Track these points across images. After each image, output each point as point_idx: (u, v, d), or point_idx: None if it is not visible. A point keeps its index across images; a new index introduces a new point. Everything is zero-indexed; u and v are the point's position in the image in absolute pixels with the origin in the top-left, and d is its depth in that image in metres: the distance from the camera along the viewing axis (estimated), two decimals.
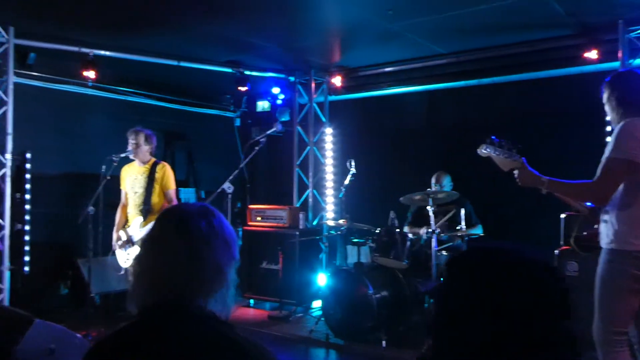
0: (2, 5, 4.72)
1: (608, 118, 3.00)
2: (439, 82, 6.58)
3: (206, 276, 1.29)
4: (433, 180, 5.53)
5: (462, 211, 4.98)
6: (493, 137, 2.93)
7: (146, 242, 1.39)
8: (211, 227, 1.34)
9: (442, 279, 1.16)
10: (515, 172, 2.87)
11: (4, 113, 5.13)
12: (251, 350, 1.22)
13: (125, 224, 5.20)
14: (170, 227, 1.35)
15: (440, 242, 5.01)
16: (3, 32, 5.07)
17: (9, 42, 5.11)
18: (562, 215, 4.35)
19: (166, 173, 5.14)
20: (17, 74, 5.37)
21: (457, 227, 4.98)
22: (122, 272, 5.25)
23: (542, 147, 5.65)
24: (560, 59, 5.69)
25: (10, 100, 5.14)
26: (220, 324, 1.28)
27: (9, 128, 5.12)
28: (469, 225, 5.22)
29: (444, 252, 5.05)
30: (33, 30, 5.25)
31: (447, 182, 5.53)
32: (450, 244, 5.21)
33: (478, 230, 5.36)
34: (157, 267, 1.31)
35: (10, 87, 5.15)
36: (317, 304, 6.15)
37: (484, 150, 2.94)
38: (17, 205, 5.49)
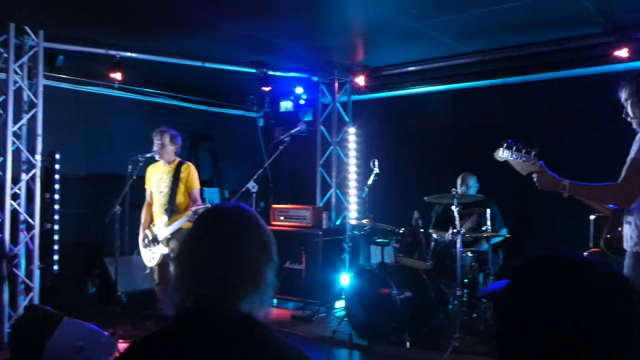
0: (32, 9, 4.83)
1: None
2: (463, 81, 6.50)
3: (245, 278, 1.29)
4: (459, 181, 5.47)
5: (488, 212, 4.92)
6: (510, 140, 2.88)
7: (185, 243, 1.39)
8: (249, 228, 1.35)
9: (503, 284, 1.13)
10: (534, 176, 2.80)
11: (34, 115, 5.25)
12: (289, 353, 1.23)
13: (150, 222, 5.27)
14: (209, 228, 1.36)
15: (465, 244, 4.96)
16: (33, 36, 5.18)
17: (39, 46, 5.21)
18: (592, 217, 4.25)
19: (191, 173, 5.20)
20: (46, 77, 5.48)
21: (483, 229, 4.92)
22: (147, 271, 5.33)
23: (569, 148, 5.56)
24: (588, 57, 5.57)
25: (40, 102, 5.26)
26: (259, 325, 1.28)
27: (39, 129, 5.23)
28: (493, 226, 5.15)
29: (468, 253, 5.00)
30: (61, 34, 5.35)
31: (473, 183, 5.46)
32: (478, 248, 5.15)
33: (503, 232, 5.29)
34: (196, 269, 1.31)
35: (40, 89, 5.26)
36: (340, 304, 6.14)
37: (501, 155, 2.88)
38: (46, 205, 5.60)
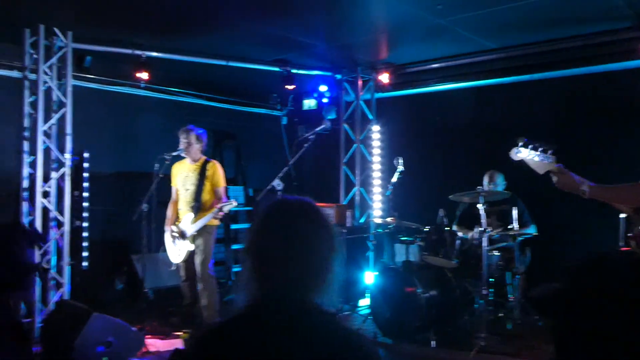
0: (61, 11, 4.92)
1: None
2: (489, 77, 6.43)
3: (314, 269, 1.32)
4: (486, 179, 5.40)
5: (514, 210, 4.85)
6: (525, 139, 2.83)
7: (256, 234, 1.40)
8: (317, 221, 1.37)
9: (558, 285, 1.13)
10: (554, 177, 2.75)
11: (64, 114, 5.35)
12: (358, 342, 1.26)
13: (176, 220, 5.33)
14: (280, 221, 1.38)
15: (491, 242, 4.90)
16: (62, 37, 5.29)
17: (68, 47, 5.31)
18: (622, 215, 4.16)
19: (217, 171, 5.24)
20: (74, 77, 5.57)
21: (509, 227, 4.86)
22: (173, 268, 5.39)
23: (596, 145, 5.45)
24: (617, 52, 5.46)
25: (69, 102, 5.36)
26: (330, 316, 1.32)
27: (68, 129, 5.34)
28: (521, 224, 5.08)
29: (495, 252, 4.93)
30: (89, 35, 5.45)
31: (500, 181, 5.39)
32: (503, 244, 5.08)
33: (531, 230, 5.22)
34: (268, 261, 1.34)
35: (69, 89, 5.36)
36: (364, 302, 6.13)
37: (516, 154, 2.83)
38: (75, 202, 5.72)
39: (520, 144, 2.82)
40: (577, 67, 5.78)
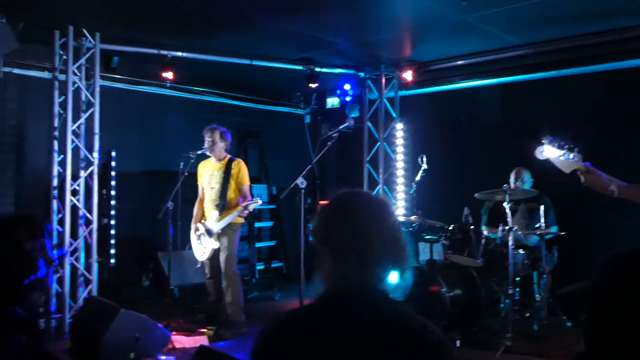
0: (89, 13, 5.02)
1: None
2: (515, 74, 6.33)
3: (380, 260, 1.35)
4: (512, 176, 5.32)
5: (542, 208, 4.77)
6: (551, 137, 2.78)
7: (320, 228, 1.44)
8: (381, 213, 1.41)
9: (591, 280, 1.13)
10: (581, 176, 2.70)
11: (92, 114, 5.46)
12: (433, 332, 1.28)
13: (202, 217, 5.39)
14: (342, 213, 1.41)
15: (517, 241, 4.83)
16: (90, 38, 5.39)
17: (96, 47, 5.42)
18: None
19: (241, 170, 5.28)
20: (102, 77, 5.69)
21: (537, 225, 4.78)
22: (199, 266, 5.45)
23: (626, 142, 5.32)
24: None
25: (97, 102, 5.46)
26: (400, 305, 1.36)
27: (96, 128, 5.44)
28: (547, 222, 4.99)
29: (520, 251, 4.86)
30: (116, 35, 5.54)
31: (527, 178, 5.30)
32: (529, 243, 5.00)
33: (553, 229, 5.12)
34: (339, 253, 1.37)
35: (97, 89, 5.46)
36: None
37: (541, 153, 2.78)
38: (103, 201, 5.83)
39: (545, 142, 2.77)
40: (606, 63, 5.66)
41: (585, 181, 2.71)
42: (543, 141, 2.78)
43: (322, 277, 1.39)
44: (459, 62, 6.62)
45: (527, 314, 5.00)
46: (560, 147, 2.75)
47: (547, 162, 2.82)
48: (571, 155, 2.73)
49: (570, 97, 5.95)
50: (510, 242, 4.55)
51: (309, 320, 1.34)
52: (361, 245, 1.35)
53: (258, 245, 7.91)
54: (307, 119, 8.61)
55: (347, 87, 7.27)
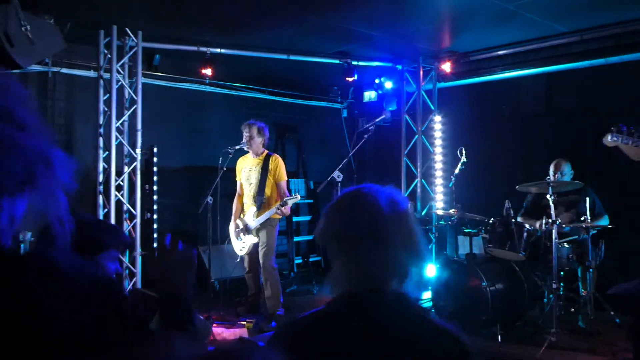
0: (132, 12, 5.15)
1: None
2: (560, 63, 6.12)
3: (398, 260, 1.31)
4: (552, 169, 5.17)
5: (587, 200, 4.62)
6: (621, 124, 2.68)
7: (328, 229, 1.39)
8: (399, 212, 1.35)
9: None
10: None
11: (134, 111, 5.60)
12: (444, 331, 1.25)
13: (241, 213, 5.46)
14: (348, 213, 1.36)
15: (561, 235, 4.69)
16: (133, 37, 5.53)
17: (138, 46, 5.55)
18: None
19: (279, 165, 5.32)
20: (144, 75, 5.83)
21: (582, 218, 4.63)
22: (238, 260, 5.54)
23: None
24: None
25: (139, 99, 5.60)
26: (413, 305, 1.31)
27: (139, 125, 5.59)
28: (592, 216, 4.83)
29: (565, 245, 4.73)
30: (157, 34, 5.66)
31: (567, 170, 5.14)
32: (574, 236, 4.86)
33: (604, 222, 4.94)
34: (344, 253, 1.33)
35: (139, 87, 5.60)
36: (426, 295, 6.04)
37: (610, 139, 2.69)
38: (146, 196, 5.98)
39: (614, 129, 2.69)
40: None
41: None
42: (612, 128, 2.70)
43: (334, 279, 1.34)
44: (500, 52, 6.46)
45: (572, 310, 4.87)
46: (631, 134, 2.66)
47: (615, 150, 2.73)
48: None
49: (618, 86, 5.72)
50: (554, 236, 4.43)
51: (324, 326, 1.30)
52: (372, 243, 1.30)
53: (296, 239, 7.96)
54: (345, 113, 8.60)
55: (384, 80, 7.21)
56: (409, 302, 1.30)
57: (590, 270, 4.63)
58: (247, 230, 5.28)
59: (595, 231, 4.80)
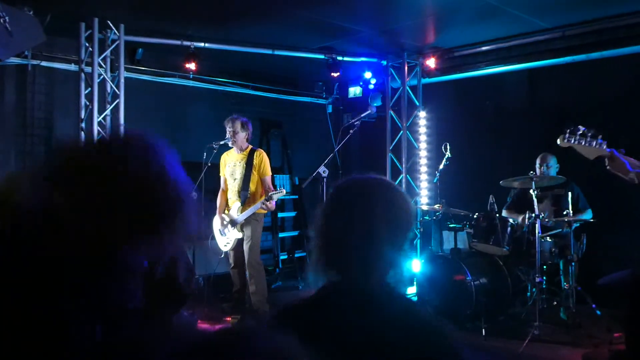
0: (114, 4, 5.07)
1: None
2: (542, 59, 6.18)
3: (384, 249, 1.29)
4: (538, 161, 5.22)
5: (569, 195, 4.67)
6: (572, 126, 2.83)
7: (322, 217, 1.39)
8: (383, 200, 1.33)
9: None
10: (606, 160, 2.76)
11: (117, 105, 5.53)
12: (430, 322, 1.25)
13: (225, 208, 5.42)
14: (344, 202, 1.37)
15: (544, 229, 4.74)
16: (115, 30, 5.45)
17: (120, 39, 5.48)
18: None
19: (263, 160, 5.29)
20: (126, 69, 5.75)
21: (564, 212, 4.68)
22: (222, 256, 5.50)
23: None
24: None
25: (122, 93, 5.53)
26: (398, 295, 1.32)
27: (121, 119, 5.52)
28: (576, 210, 4.89)
29: (548, 239, 4.78)
30: (140, 27, 5.59)
31: (553, 163, 5.19)
32: (557, 230, 4.91)
33: (587, 216, 5.01)
34: (330, 243, 1.33)
35: (122, 81, 5.53)
36: (411, 290, 6.07)
37: (564, 141, 2.83)
38: None
39: (567, 130, 2.83)
40: (637, 45, 5.48)
41: (610, 166, 2.76)
42: (566, 129, 2.83)
43: (323, 268, 1.33)
44: (484, 48, 6.50)
45: (555, 303, 4.93)
46: (584, 135, 2.78)
47: (571, 150, 2.86)
48: (594, 143, 2.77)
49: (599, 81, 5.79)
50: (538, 230, 4.47)
51: (312, 314, 1.30)
52: (356, 236, 1.29)
53: (281, 235, 7.94)
54: (330, 109, 8.59)
55: (369, 75, 7.20)
56: (395, 293, 1.31)
57: (573, 263, 4.68)
58: (232, 224, 5.24)
59: (577, 225, 4.85)
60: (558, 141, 2.86)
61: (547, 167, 5.12)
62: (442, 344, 1.23)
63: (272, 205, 5.09)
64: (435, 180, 5.81)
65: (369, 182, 1.39)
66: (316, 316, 1.28)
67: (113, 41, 5.50)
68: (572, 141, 2.80)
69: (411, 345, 1.20)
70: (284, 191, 5.12)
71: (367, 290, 1.28)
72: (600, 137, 2.77)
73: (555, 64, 6.10)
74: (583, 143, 2.78)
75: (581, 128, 2.80)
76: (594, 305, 4.66)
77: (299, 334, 1.25)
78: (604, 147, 2.75)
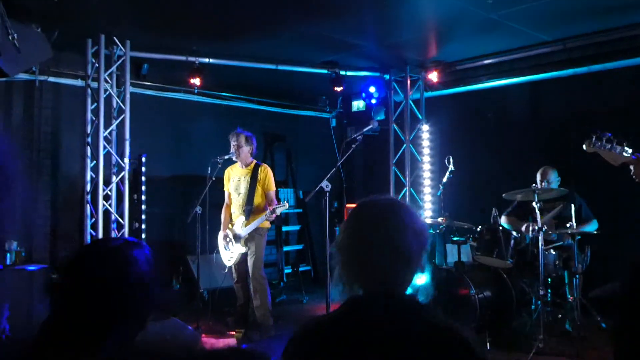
0: (120, 21, 5.16)
1: None
2: (544, 71, 6.22)
3: (406, 265, 1.38)
4: (538, 177, 5.22)
5: (572, 207, 4.67)
6: (599, 131, 2.80)
7: (347, 235, 1.46)
8: (405, 221, 1.41)
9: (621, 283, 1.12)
10: (631, 167, 2.72)
11: (122, 120, 5.59)
12: (454, 334, 1.28)
13: (229, 223, 5.44)
14: (370, 222, 1.44)
15: (547, 241, 4.73)
16: (121, 46, 5.53)
17: (126, 55, 5.56)
18: None
19: (268, 175, 5.32)
20: (132, 84, 5.83)
21: (567, 225, 4.67)
22: (226, 271, 5.51)
23: None
24: None
25: (127, 108, 5.59)
26: (423, 308, 1.36)
27: (127, 134, 5.57)
28: (579, 221, 4.88)
29: (552, 251, 4.76)
30: (146, 43, 5.67)
31: (553, 178, 5.19)
32: (560, 242, 4.90)
33: (591, 227, 4.98)
34: (361, 261, 1.39)
35: (128, 96, 5.60)
36: None
37: (590, 146, 2.81)
38: (134, 205, 5.95)
39: (594, 136, 2.80)
40: (638, 57, 5.51)
41: (635, 172, 2.72)
42: (592, 135, 2.81)
43: (349, 283, 1.40)
44: (486, 62, 6.55)
45: (560, 315, 4.89)
46: (610, 141, 2.77)
47: (595, 156, 2.84)
48: (620, 149, 2.75)
49: (601, 94, 5.81)
50: (541, 243, 4.47)
51: (338, 328, 1.34)
52: (388, 251, 1.36)
53: (285, 249, 7.95)
54: (333, 123, 8.64)
55: (372, 89, 7.26)
56: (419, 306, 1.36)
57: (577, 276, 4.67)
58: (236, 238, 5.26)
59: (580, 237, 4.84)
60: (584, 146, 2.84)
61: (548, 182, 5.11)
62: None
63: (273, 216, 5.12)
64: (438, 194, 5.81)
65: (390, 202, 1.49)
66: (340, 331, 1.32)
67: (119, 57, 5.58)
68: (598, 146, 2.78)
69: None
70: (287, 205, 5.14)
71: (392, 305, 1.33)
72: (625, 143, 2.76)
73: (557, 76, 6.13)
74: (609, 148, 2.76)
75: (607, 134, 2.78)
76: (599, 318, 4.64)
77: (323, 348, 1.29)
78: (630, 153, 2.73)
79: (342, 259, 1.42)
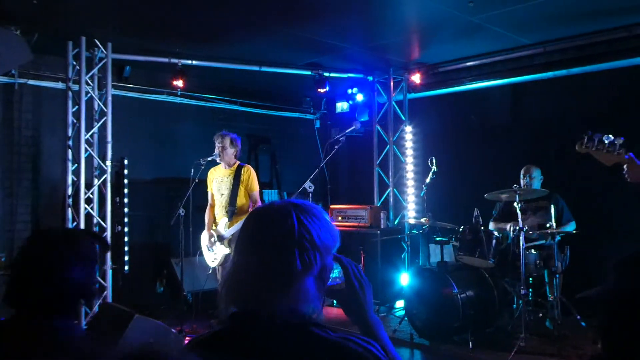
0: (101, 23, 5.11)
1: None
2: (524, 74, 6.30)
3: (285, 278, 1.20)
4: (522, 173, 5.30)
5: (552, 207, 4.74)
6: (589, 131, 2.77)
7: (233, 246, 1.39)
8: (297, 226, 1.23)
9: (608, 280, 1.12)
10: (625, 166, 2.69)
11: (104, 123, 5.54)
12: (346, 351, 1.15)
13: (213, 224, 5.43)
14: (248, 230, 1.30)
15: (528, 240, 4.81)
16: (102, 48, 5.48)
17: (108, 57, 5.50)
18: None
19: (251, 175, 5.32)
20: (114, 87, 5.77)
21: (547, 225, 4.75)
22: (210, 272, 5.49)
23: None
24: None
25: (109, 111, 5.54)
26: (308, 325, 1.20)
27: (109, 137, 5.52)
28: (560, 222, 4.96)
29: (532, 251, 4.84)
30: (128, 45, 5.63)
31: (536, 174, 5.27)
32: (541, 242, 4.97)
33: (570, 228, 5.08)
34: (237, 272, 1.26)
35: (109, 98, 5.54)
36: (400, 303, 6.10)
37: (582, 147, 2.77)
38: (116, 208, 5.90)
39: (585, 137, 2.77)
40: (616, 60, 5.60)
41: (628, 172, 2.68)
42: (584, 135, 2.77)
43: (225, 303, 1.26)
44: (468, 64, 6.62)
45: (541, 315, 4.97)
46: (602, 141, 2.73)
47: (587, 156, 2.80)
48: (612, 149, 2.71)
49: (580, 96, 5.91)
50: (522, 242, 4.53)
51: (218, 346, 1.23)
52: (253, 264, 1.22)
53: None
54: (317, 124, 8.65)
55: (354, 91, 7.30)
56: (300, 320, 1.20)
57: (557, 275, 4.74)
58: (219, 239, 5.25)
59: (560, 237, 4.92)
60: (576, 147, 2.80)
61: (531, 178, 5.20)
62: None
63: None
64: (422, 194, 5.86)
65: (266, 210, 1.30)
66: (223, 347, 1.22)
67: (100, 59, 5.53)
68: (590, 147, 2.74)
69: None
70: None
71: (269, 322, 1.18)
72: (618, 144, 2.70)
73: (537, 79, 6.22)
74: (601, 149, 2.72)
75: (599, 134, 2.73)
76: (578, 317, 4.72)
77: None
78: (623, 153, 2.68)
79: (225, 276, 1.29)
